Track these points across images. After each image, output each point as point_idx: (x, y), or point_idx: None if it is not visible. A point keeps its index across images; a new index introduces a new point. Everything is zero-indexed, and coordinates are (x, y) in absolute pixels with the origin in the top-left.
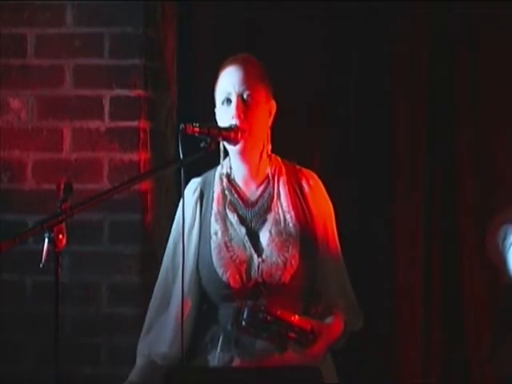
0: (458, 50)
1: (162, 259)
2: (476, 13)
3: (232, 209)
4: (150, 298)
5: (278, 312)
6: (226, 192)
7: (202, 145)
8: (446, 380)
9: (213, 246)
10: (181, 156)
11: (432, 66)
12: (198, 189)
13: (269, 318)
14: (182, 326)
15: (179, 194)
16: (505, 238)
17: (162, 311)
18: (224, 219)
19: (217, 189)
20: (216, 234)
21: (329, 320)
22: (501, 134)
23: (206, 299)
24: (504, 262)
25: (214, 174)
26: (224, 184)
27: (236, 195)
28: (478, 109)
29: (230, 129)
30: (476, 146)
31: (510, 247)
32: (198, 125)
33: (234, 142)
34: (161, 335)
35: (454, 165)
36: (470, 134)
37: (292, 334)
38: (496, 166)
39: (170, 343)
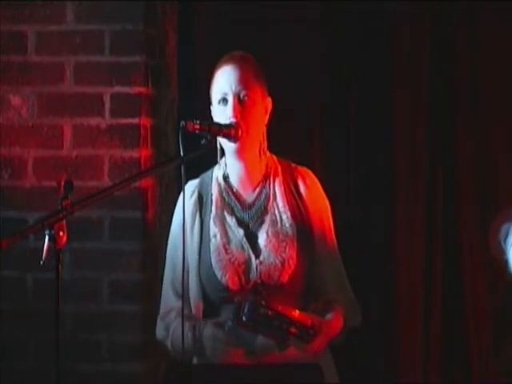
0: (458, 49)
1: (162, 256)
2: (477, 12)
3: (230, 211)
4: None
5: (279, 307)
6: (224, 194)
7: (203, 142)
8: (447, 379)
9: (212, 248)
10: (181, 153)
11: (432, 65)
12: (196, 191)
13: (270, 313)
14: (182, 325)
15: (179, 191)
16: (506, 237)
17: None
18: (222, 222)
19: (214, 191)
20: (215, 236)
21: (328, 316)
22: (502, 133)
23: (207, 301)
24: (505, 261)
25: (211, 176)
26: (221, 186)
27: (233, 197)
28: (479, 108)
29: (230, 126)
30: (477, 146)
31: (510, 247)
32: (198, 122)
33: (235, 139)
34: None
35: (455, 164)
36: (470, 134)
37: (293, 330)
38: (497, 165)
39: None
